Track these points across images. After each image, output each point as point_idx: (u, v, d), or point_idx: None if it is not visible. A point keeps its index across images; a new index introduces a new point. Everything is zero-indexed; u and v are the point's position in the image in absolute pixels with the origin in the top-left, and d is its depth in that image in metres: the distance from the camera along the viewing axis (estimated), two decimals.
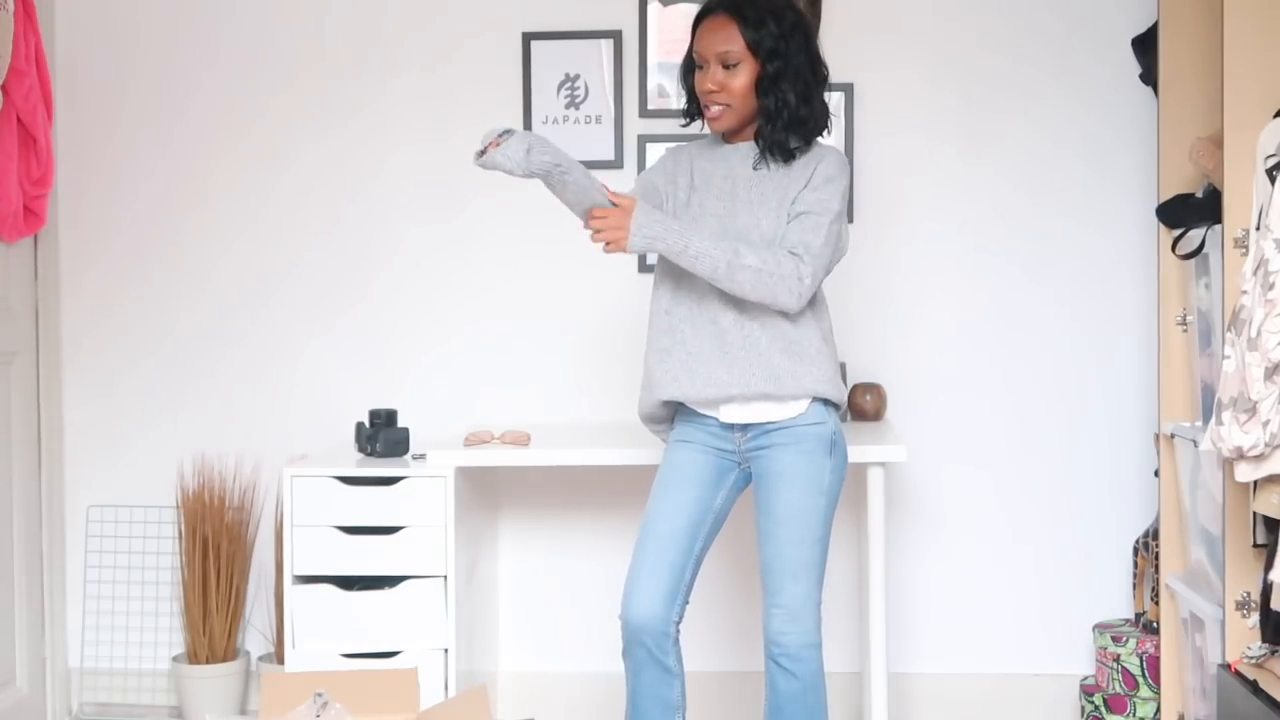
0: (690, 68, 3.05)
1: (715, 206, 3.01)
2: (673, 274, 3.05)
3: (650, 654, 2.99)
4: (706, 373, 2.99)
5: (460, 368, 4.22)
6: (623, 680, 3.08)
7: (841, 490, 3.05)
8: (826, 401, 3.03)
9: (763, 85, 2.95)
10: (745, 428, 3.02)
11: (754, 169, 3.01)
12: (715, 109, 2.98)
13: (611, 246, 2.91)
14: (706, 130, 3.12)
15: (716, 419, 3.04)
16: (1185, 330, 3.64)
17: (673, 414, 3.12)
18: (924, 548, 4.14)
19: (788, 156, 2.99)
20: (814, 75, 3.00)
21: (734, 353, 2.98)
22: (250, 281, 4.26)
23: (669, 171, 3.11)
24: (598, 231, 2.90)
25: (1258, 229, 2.91)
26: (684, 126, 3.15)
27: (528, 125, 4.16)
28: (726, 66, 2.94)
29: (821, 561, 2.97)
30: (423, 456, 3.61)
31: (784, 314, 2.96)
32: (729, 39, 2.94)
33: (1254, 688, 2.98)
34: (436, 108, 4.21)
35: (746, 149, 3.04)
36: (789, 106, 2.95)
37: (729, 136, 3.07)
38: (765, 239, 2.97)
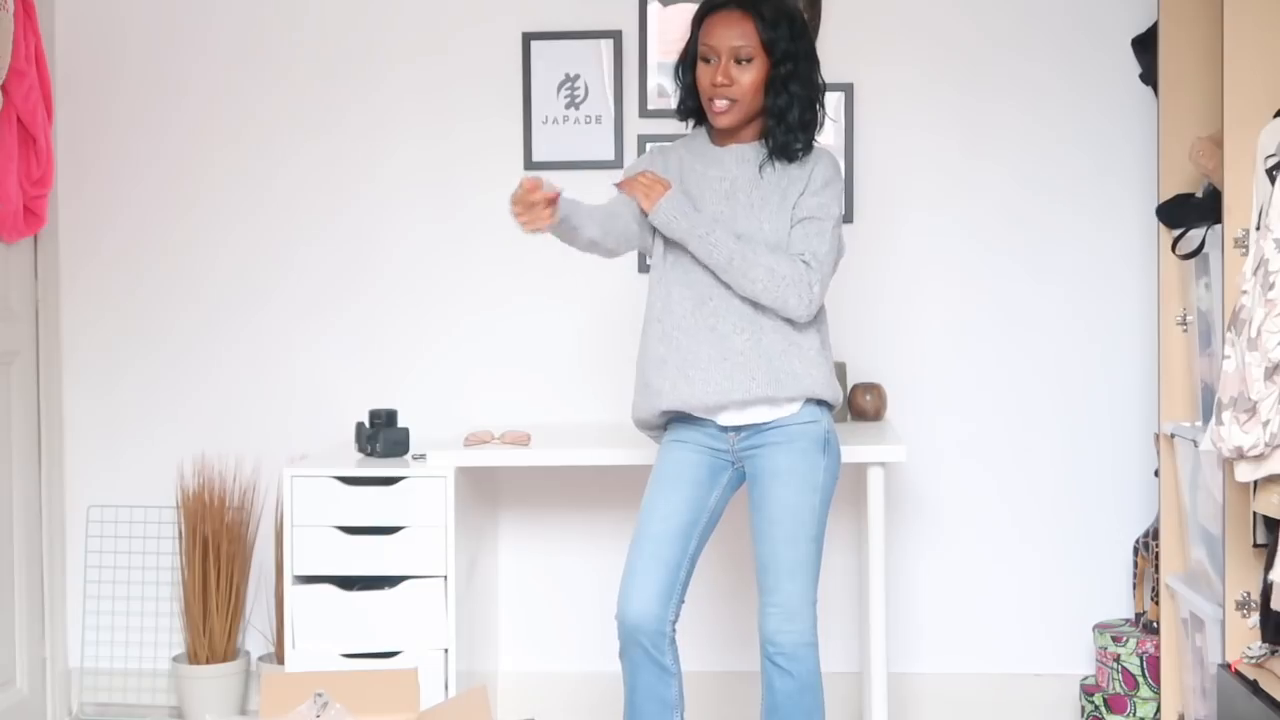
0: (690, 62, 3.04)
1: (712, 209, 3.01)
2: (667, 280, 3.06)
3: (647, 653, 3.00)
4: (705, 379, 2.99)
5: (460, 368, 4.21)
6: (620, 680, 3.08)
7: (835, 489, 3.05)
8: (820, 401, 3.04)
9: (774, 85, 2.97)
10: (739, 428, 3.03)
11: (759, 171, 3.01)
12: (721, 104, 2.97)
13: (636, 195, 2.98)
14: (689, 129, 3.14)
15: (713, 421, 3.05)
16: (1185, 330, 3.64)
17: (668, 419, 3.12)
18: (924, 548, 4.14)
19: (792, 157, 3.00)
20: (818, 79, 3.03)
21: (734, 358, 2.98)
22: (250, 281, 4.26)
23: (656, 172, 3.09)
24: (638, 187, 2.97)
25: (1258, 229, 2.91)
26: (683, 123, 3.15)
27: (528, 125, 4.16)
28: (739, 61, 2.95)
29: (817, 560, 2.98)
30: (423, 456, 3.61)
31: (787, 320, 2.97)
32: (744, 34, 2.94)
33: (1254, 688, 2.99)
34: (436, 106, 4.21)
35: (742, 151, 3.04)
36: (798, 108, 2.97)
37: (722, 138, 3.07)
38: (768, 242, 2.97)
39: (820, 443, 3.01)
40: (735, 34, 2.94)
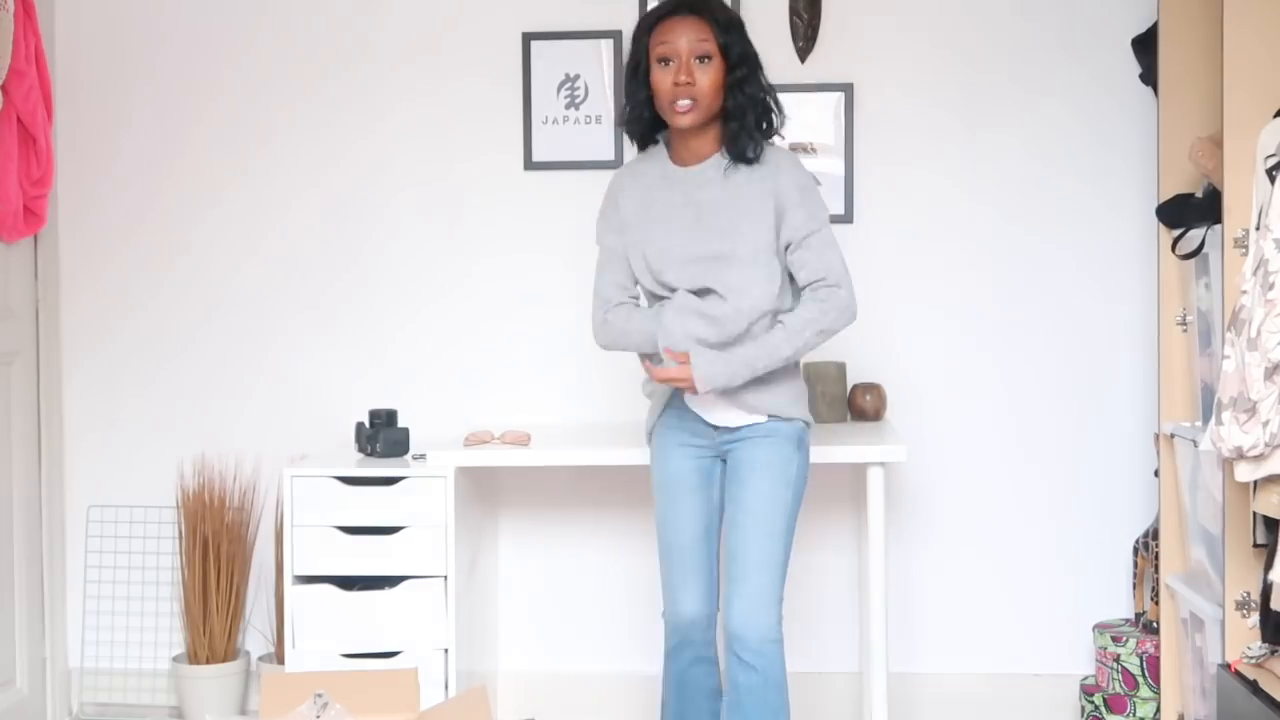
0: (642, 76, 3.06)
1: (681, 235, 3.05)
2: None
3: (699, 651, 3.17)
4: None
5: (460, 368, 4.21)
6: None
7: (805, 491, 3.12)
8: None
9: (731, 88, 3.03)
10: (719, 428, 3.13)
11: (725, 179, 3.04)
12: (685, 103, 3.00)
13: (686, 387, 3.03)
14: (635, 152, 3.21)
15: (701, 419, 3.13)
16: (1185, 330, 3.64)
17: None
18: (924, 548, 4.14)
19: (749, 160, 3.04)
20: (766, 82, 3.08)
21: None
22: (250, 281, 4.26)
23: (615, 224, 3.15)
24: (671, 379, 3.03)
25: (1258, 229, 2.91)
26: (632, 143, 3.19)
27: (528, 125, 4.16)
28: (699, 61, 2.99)
29: (785, 559, 3.06)
30: (423, 456, 3.61)
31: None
32: (703, 36, 3.00)
33: (1254, 688, 2.99)
34: (436, 107, 4.21)
35: (704, 171, 3.06)
36: (754, 110, 3.03)
37: (683, 155, 3.09)
38: (756, 250, 3.00)
39: (795, 440, 3.10)
40: (694, 35, 3.00)
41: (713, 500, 3.17)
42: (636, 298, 3.17)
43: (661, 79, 3.01)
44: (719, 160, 3.06)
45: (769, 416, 3.09)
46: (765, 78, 3.07)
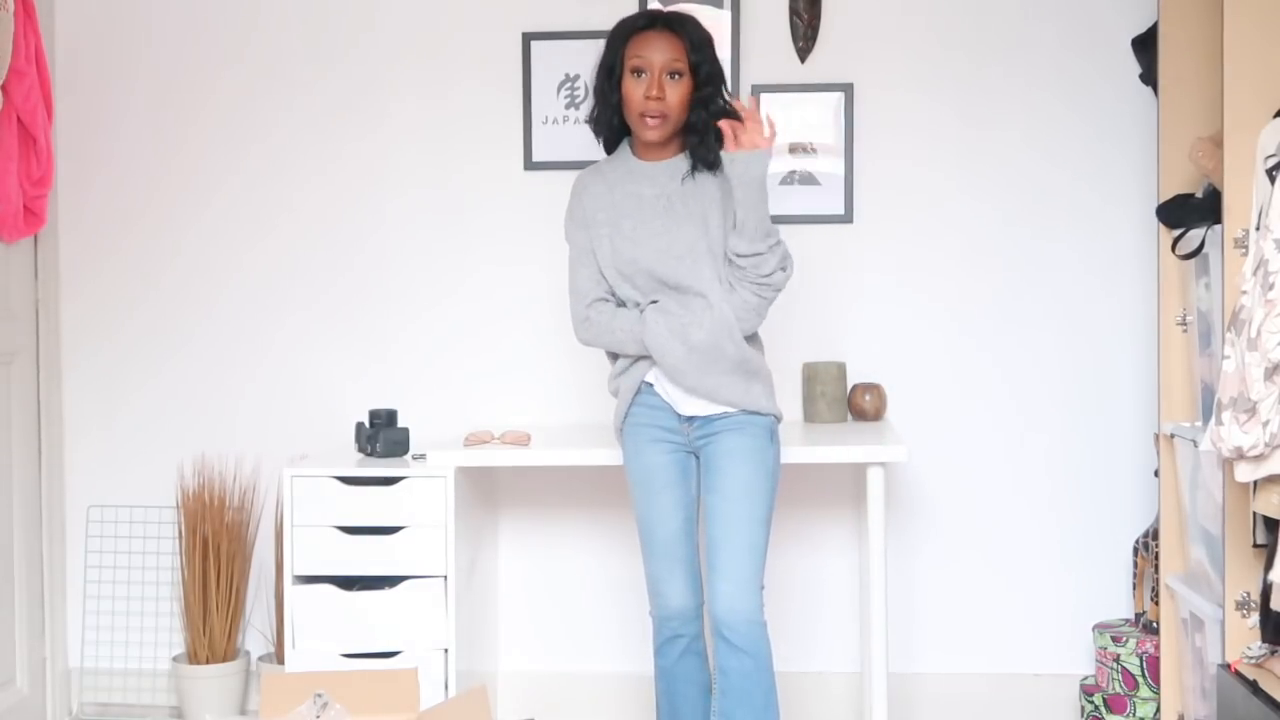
0: (615, 80, 3.15)
1: (655, 224, 3.15)
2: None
3: (690, 645, 3.24)
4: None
5: (460, 368, 4.21)
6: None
7: (777, 485, 3.17)
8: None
9: (696, 104, 3.14)
10: (691, 419, 3.18)
11: (682, 183, 3.15)
12: (654, 119, 3.11)
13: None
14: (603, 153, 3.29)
15: (673, 408, 3.19)
16: (1185, 330, 3.64)
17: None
18: (924, 548, 4.14)
19: (714, 166, 3.16)
20: (728, 96, 3.20)
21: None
22: (251, 281, 4.26)
23: (580, 220, 3.22)
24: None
25: (1258, 229, 2.91)
26: (598, 140, 3.27)
27: (528, 125, 4.16)
28: (671, 76, 3.10)
29: (765, 546, 3.12)
30: (423, 456, 3.61)
31: (743, 337, 3.14)
32: (677, 55, 3.11)
33: (1254, 688, 2.99)
34: (437, 107, 4.21)
35: (673, 165, 3.18)
36: (715, 128, 3.13)
37: (649, 153, 3.19)
38: (712, 247, 3.12)
39: (768, 431, 3.17)
40: (669, 52, 3.11)
41: (690, 493, 3.22)
42: (613, 293, 3.22)
43: (634, 89, 3.13)
44: (685, 158, 3.18)
45: (743, 411, 3.15)
46: (726, 92, 3.18)
